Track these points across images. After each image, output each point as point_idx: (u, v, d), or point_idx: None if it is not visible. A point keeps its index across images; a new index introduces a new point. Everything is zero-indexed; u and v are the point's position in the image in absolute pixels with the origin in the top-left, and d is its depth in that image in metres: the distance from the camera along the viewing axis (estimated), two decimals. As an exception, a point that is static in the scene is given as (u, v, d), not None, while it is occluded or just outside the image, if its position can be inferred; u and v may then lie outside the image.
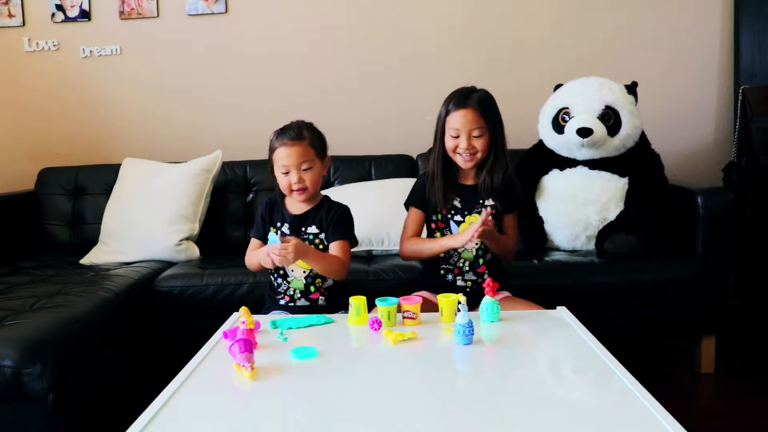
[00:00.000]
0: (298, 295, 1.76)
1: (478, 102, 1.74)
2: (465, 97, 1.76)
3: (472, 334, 1.37)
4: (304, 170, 1.70)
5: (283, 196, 1.79)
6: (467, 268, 1.83)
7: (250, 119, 2.95)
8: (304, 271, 1.76)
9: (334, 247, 1.75)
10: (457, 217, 1.83)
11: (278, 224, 1.79)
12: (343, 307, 1.64)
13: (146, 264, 2.33)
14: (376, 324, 1.48)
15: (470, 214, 1.83)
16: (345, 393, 1.18)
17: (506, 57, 2.88)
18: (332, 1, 2.90)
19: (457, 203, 1.83)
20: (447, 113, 1.77)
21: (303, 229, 1.77)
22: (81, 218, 2.70)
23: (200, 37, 2.94)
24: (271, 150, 1.74)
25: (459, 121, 1.74)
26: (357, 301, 1.54)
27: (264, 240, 1.78)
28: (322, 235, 1.77)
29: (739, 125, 2.71)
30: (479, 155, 1.77)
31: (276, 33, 2.93)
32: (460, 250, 1.81)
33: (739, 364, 2.33)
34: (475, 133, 1.74)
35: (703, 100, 2.87)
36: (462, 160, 1.78)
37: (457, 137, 1.75)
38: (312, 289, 1.76)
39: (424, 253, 1.84)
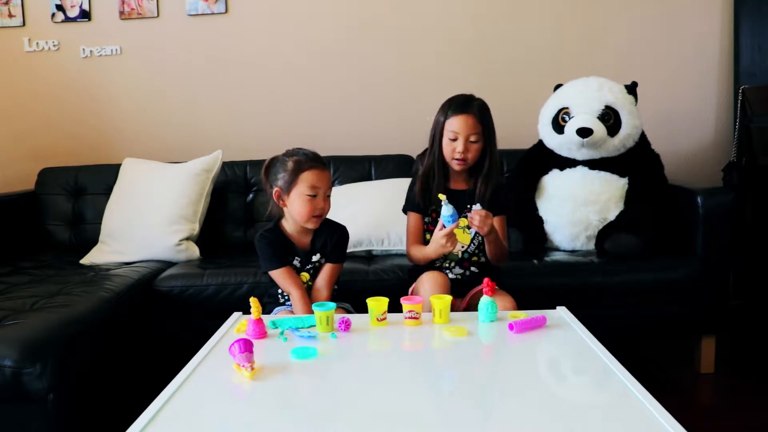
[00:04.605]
0: None
1: (478, 109, 1.79)
2: (466, 103, 1.80)
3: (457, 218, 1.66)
4: (327, 197, 1.72)
5: (279, 228, 1.78)
6: (454, 265, 1.87)
7: (250, 119, 2.95)
8: (308, 286, 1.78)
9: (331, 269, 1.77)
10: None
11: (290, 258, 1.76)
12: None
13: (146, 264, 2.33)
14: (344, 324, 1.49)
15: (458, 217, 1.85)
16: (345, 393, 1.19)
17: (506, 57, 2.88)
18: (332, 1, 2.90)
19: None
20: (446, 118, 1.80)
21: (312, 259, 1.79)
22: (81, 218, 2.70)
23: (200, 37, 2.94)
24: (296, 172, 1.69)
25: (459, 125, 1.77)
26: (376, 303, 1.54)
27: (287, 263, 1.75)
28: (323, 260, 1.79)
29: (739, 125, 2.71)
30: (470, 161, 1.81)
31: (276, 33, 2.93)
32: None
33: (739, 364, 2.33)
34: (472, 138, 1.78)
35: (703, 100, 2.87)
36: (456, 164, 1.81)
37: (454, 140, 1.79)
38: None
39: (422, 262, 1.86)
